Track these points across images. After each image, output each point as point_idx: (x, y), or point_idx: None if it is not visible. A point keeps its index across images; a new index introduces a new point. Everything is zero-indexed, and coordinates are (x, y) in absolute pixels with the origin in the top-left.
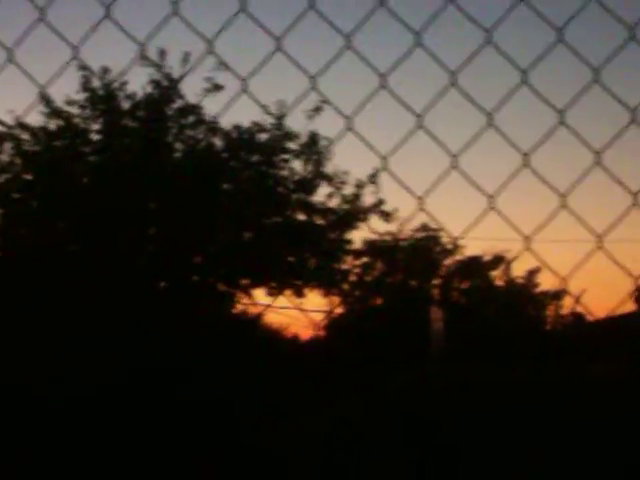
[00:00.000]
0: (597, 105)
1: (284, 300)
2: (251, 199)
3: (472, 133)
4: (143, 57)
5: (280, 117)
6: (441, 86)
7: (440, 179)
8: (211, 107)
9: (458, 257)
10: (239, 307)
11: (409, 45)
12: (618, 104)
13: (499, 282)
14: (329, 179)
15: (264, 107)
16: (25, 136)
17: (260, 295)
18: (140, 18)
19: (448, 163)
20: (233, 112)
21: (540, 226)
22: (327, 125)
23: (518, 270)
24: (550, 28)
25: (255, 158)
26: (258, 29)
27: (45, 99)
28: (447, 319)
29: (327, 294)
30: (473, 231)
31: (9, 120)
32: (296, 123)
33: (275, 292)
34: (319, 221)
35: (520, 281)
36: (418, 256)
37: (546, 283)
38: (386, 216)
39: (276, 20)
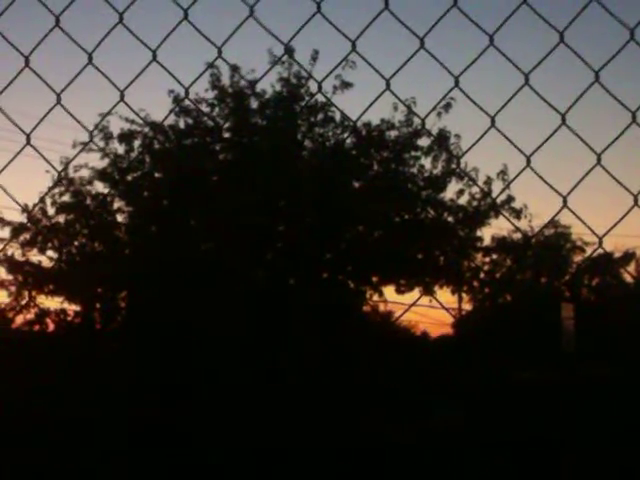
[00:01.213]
0: None
1: (413, 297)
2: (380, 196)
3: (617, 131)
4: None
5: (410, 114)
6: (585, 83)
7: (584, 177)
8: (340, 104)
9: (593, 253)
10: (369, 304)
11: (553, 43)
12: None
13: (630, 279)
14: (459, 176)
15: (408, 106)
16: (155, 134)
17: (390, 292)
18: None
19: (592, 161)
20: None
21: None
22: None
23: None
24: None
25: (384, 155)
26: (401, 27)
27: (177, 98)
28: (578, 317)
29: (456, 291)
30: (605, 227)
31: (139, 119)
32: (427, 120)
33: (405, 289)
34: (448, 218)
35: None
36: (548, 253)
37: None
38: (516, 213)
39: (418, 19)
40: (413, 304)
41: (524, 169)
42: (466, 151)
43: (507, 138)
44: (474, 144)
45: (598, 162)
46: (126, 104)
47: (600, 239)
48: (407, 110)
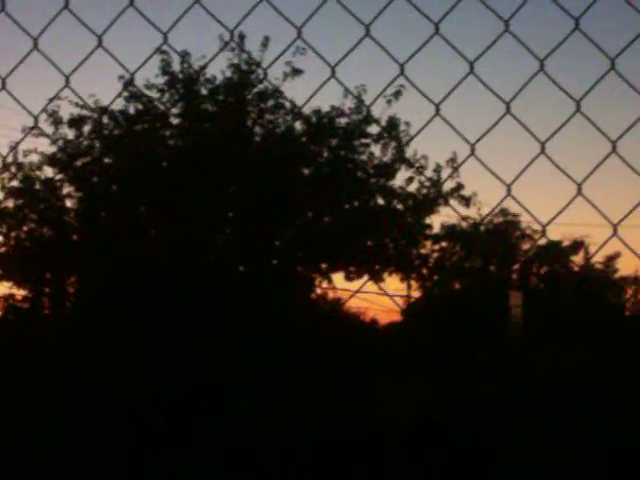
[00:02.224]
0: None
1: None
2: (330, 183)
3: (560, 120)
4: (231, 42)
5: (361, 102)
6: (530, 72)
7: (528, 165)
8: (290, 91)
9: (536, 241)
10: (318, 291)
11: (498, 31)
12: None
13: (578, 268)
14: (409, 163)
15: (352, 93)
16: (105, 120)
17: (339, 279)
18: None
19: (535, 150)
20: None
21: (628, 212)
22: (408, 110)
23: (596, 255)
24: None
25: (335, 142)
26: (347, 15)
27: (129, 83)
28: (526, 304)
29: (406, 278)
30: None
31: (90, 104)
32: (376, 108)
33: (354, 276)
34: (398, 206)
35: (599, 267)
36: (497, 241)
37: (626, 269)
38: (465, 201)
39: (364, 7)
40: (358, 290)
41: (468, 157)
42: (411, 139)
43: (452, 126)
44: (419, 131)
45: (542, 151)
46: (71, 89)
47: (544, 227)
48: (357, 97)
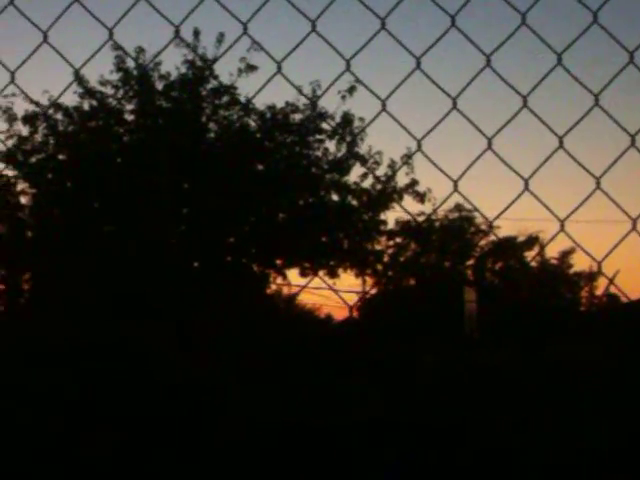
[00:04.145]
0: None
1: (318, 280)
2: (285, 179)
3: (507, 115)
4: (178, 38)
5: (314, 98)
6: (476, 68)
7: (475, 161)
8: (245, 88)
9: (492, 238)
10: (273, 287)
11: (444, 27)
12: None
13: (533, 263)
14: (363, 160)
15: (299, 89)
16: (59, 116)
17: (294, 275)
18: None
19: (482, 145)
20: (267, 93)
21: (575, 209)
22: (361, 106)
23: (551, 251)
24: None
25: (289, 138)
26: (293, 11)
27: (79, 79)
28: (480, 300)
29: (360, 274)
30: (506, 212)
31: (43, 101)
32: (330, 104)
33: (309, 272)
34: (353, 202)
35: (554, 262)
36: (452, 237)
37: (580, 264)
38: (419, 197)
39: (311, 2)
40: (306, 285)
41: (415, 152)
42: (359, 133)
43: (397, 121)
44: (366, 126)
45: (489, 146)
46: (17, 86)
47: (491, 222)
48: (311, 93)
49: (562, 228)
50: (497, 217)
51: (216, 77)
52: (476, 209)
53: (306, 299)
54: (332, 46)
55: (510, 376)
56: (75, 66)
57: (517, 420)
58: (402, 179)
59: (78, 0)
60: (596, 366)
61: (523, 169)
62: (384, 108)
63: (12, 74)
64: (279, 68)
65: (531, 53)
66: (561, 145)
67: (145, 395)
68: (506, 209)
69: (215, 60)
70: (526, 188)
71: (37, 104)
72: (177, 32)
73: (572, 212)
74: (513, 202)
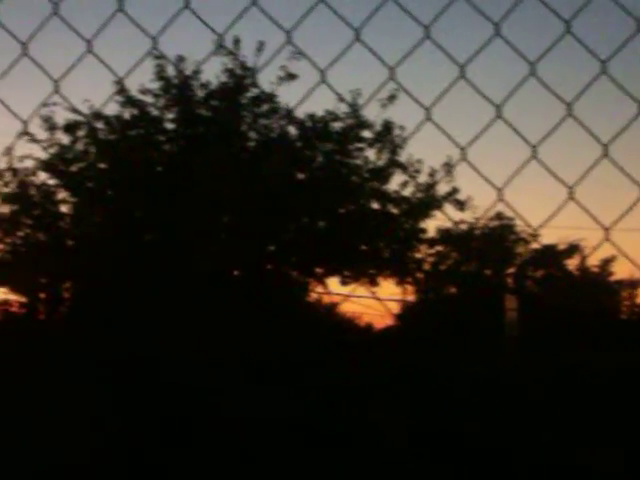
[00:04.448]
0: None
1: (358, 289)
2: (325, 188)
3: (552, 123)
4: (220, 47)
5: (355, 106)
6: (520, 76)
7: (519, 169)
8: (286, 96)
9: (533, 246)
10: (313, 296)
11: (488, 34)
12: None
13: (574, 271)
14: (403, 168)
15: (343, 97)
16: (100, 125)
17: (334, 284)
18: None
19: (527, 153)
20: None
21: (620, 216)
22: (399, 114)
23: (592, 258)
24: None
25: (329, 147)
26: (336, 19)
27: (120, 88)
28: (521, 308)
29: (401, 283)
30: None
31: (83, 109)
32: (369, 112)
33: (349, 281)
34: (393, 210)
35: (595, 270)
36: (492, 245)
37: (621, 272)
38: (460, 205)
39: (355, 11)
40: (352, 295)
41: (459, 161)
42: (403, 142)
43: (442, 130)
44: (410, 135)
45: (534, 155)
46: (61, 95)
47: (535, 231)
48: (347, 102)
49: (607, 236)
50: (542, 225)
51: (256, 85)
52: (521, 218)
53: (346, 308)
54: (376, 54)
55: (557, 384)
56: (116, 75)
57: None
58: (442, 187)
59: (122, 10)
60: None
61: (566, 177)
62: (429, 117)
63: (56, 83)
64: (323, 77)
65: (574, 64)
66: (606, 154)
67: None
68: (551, 217)
69: (255, 69)
70: (570, 196)
71: (80, 113)
72: (221, 41)
73: (618, 220)
74: (558, 210)
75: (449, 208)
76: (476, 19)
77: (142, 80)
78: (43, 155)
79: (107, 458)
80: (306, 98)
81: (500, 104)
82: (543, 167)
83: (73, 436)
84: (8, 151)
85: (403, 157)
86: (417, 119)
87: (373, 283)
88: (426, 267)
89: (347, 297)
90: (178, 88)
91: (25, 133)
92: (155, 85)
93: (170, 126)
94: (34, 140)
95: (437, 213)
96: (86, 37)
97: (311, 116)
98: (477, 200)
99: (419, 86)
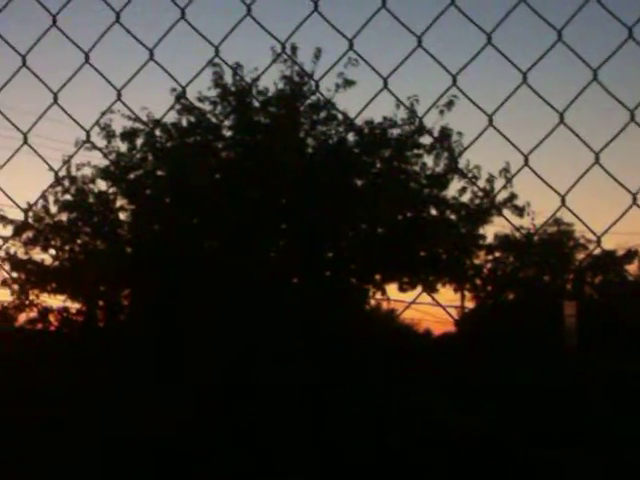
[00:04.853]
0: None
1: (415, 295)
2: (383, 194)
3: (614, 130)
4: (282, 54)
5: (413, 113)
6: (583, 81)
7: (582, 175)
8: (342, 103)
9: (591, 252)
10: (372, 302)
11: (552, 40)
12: None
13: (633, 277)
14: (462, 174)
15: (404, 104)
16: (158, 132)
17: (392, 290)
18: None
19: (590, 159)
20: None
21: None
22: (457, 120)
23: None
24: None
25: (387, 153)
26: (398, 26)
27: (180, 96)
28: (580, 314)
29: (459, 289)
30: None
31: (141, 117)
32: (430, 118)
33: (407, 287)
34: (451, 216)
35: None
36: (550, 251)
37: None
38: (519, 211)
39: (416, 17)
40: (413, 301)
41: (522, 168)
42: (464, 150)
43: (504, 136)
44: (472, 143)
45: (596, 161)
46: (123, 103)
47: (599, 238)
48: (409, 108)
49: None
50: (605, 232)
51: (314, 92)
52: (585, 224)
53: (405, 314)
54: (438, 61)
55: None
56: (179, 84)
57: None
58: (501, 193)
59: (184, 17)
60: None
61: (629, 182)
62: (491, 123)
63: (118, 92)
64: (385, 84)
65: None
66: None
67: None
68: (614, 223)
69: (313, 77)
70: (634, 202)
71: (140, 120)
72: (283, 48)
73: None
74: (622, 216)
75: (507, 214)
76: (539, 25)
77: (199, 87)
78: (101, 162)
79: None
80: (368, 105)
81: (563, 111)
82: (607, 173)
83: None
84: (67, 159)
85: (461, 163)
86: (475, 125)
87: (431, 289)
88: (484, 273)
89: (409, 304)
90: (236, 95)
91: (87, 141)
92: (212, 92)
93: (228, 133)
94: (93, 147)
95: (496, 219)
96: (148, 46)
97: (369, 123)
98: (533, 205)
99: (480, 93)
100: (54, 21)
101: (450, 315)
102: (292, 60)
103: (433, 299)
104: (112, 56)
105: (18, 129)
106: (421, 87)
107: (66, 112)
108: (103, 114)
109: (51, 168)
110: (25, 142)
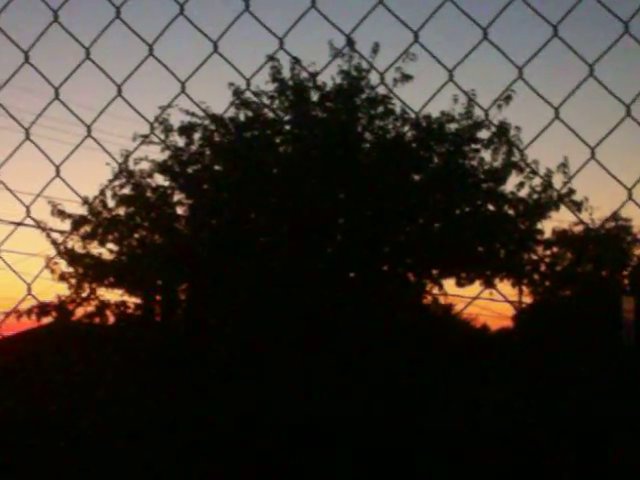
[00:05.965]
0: None
1: (474, 290)
2: (440, 189)
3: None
4: (343, 48)
5: (471, 107)
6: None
7: None
8: (401, 98)
9: None
10: (429, 297)
11: (619, 32)
12: None
13: None
14: (519, 169)
15: (470, 96)
16: (215, 127)
17: (450, 285)
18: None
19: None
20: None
21: None
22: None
23: None
24: None
25: (444, 148)
26: (463, 18)
27: (237, 90)
28: (638, 309)
29: (517, 284)
30: None
31: (199, 111)
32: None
33: (465, 282)
34: (509, 211)
35: None
36: (609, 246)
37: None
38: (577, 205)
39: (483, 10)
40: (476, 297)
41: (588, 161)
42: (530, 142)
43: (572, 130)
44: (537, 135)
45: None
46: (187, 96)
47: None
48: (467, 102)
49: None
50: None
51: (372, 87)
52: None
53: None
54: (504, 54)
55: None
56: (243, 76)
57: None
58: (559, 188)
59: (248, 10)
60: None
61: None
62: (557, 116)
63: (182, 85)
64: (451, 76)
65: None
66: None
67: None
68: None
69: (372, 71)
70: None
71: (204, 112)
72: (349, 41)
73: None
74: None
75: (564, 210)
76: (605, 17)
77: (257, 82)
78: (159, 157)
79: None
80: (432, 98)
81: (629, 103)
82: None
83: None
84: (128, 154)
85: (519, 157)
86: (530, 119)
87: (489, 284)
88: (542, 268)
89: (472, 299)
90: (293, 90)
91: (147, 135)
92: (270, 87)
93: (285, 127)
94: (152, 142)
95: (553, 214)
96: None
97: (426, 117)
98: (594, 201)
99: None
100: (117, 14)
101: (514, 307)
102: (355, 52)
103: (498, 292)
104: (176, 49)
105: (82, 121)
106: (477, 81)
107: (131, 105)
108: (166, 107)
109: (115, 160)
110: (89, 135)
